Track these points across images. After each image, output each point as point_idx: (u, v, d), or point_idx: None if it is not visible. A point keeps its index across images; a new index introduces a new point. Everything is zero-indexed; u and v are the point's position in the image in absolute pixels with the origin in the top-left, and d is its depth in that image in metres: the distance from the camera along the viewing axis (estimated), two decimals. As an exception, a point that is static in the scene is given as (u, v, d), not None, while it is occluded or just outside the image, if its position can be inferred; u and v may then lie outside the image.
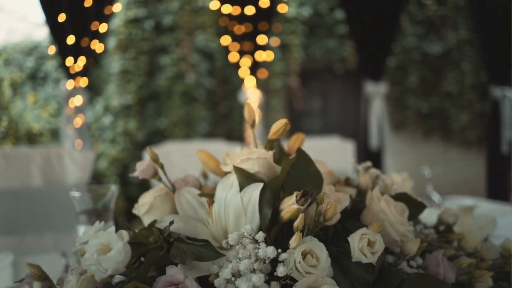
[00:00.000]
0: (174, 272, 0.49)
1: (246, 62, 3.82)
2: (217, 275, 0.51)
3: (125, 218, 4.05)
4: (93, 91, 4.75)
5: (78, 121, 3.26)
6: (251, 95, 3.86)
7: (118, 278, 0.60)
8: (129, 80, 4.92)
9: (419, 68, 5.32)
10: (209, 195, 0.66)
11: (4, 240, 1.66)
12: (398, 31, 4.10)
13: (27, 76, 5.58)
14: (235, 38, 3.78)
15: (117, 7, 3.65)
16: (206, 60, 5.09)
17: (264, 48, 3.82)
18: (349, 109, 5.64)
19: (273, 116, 5.12)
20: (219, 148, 1.97)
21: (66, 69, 3.13)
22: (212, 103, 5.20)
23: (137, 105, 4.95)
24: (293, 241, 0.52)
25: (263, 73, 4.05)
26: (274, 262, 0.52)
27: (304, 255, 0.52)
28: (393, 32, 3.89)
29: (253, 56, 3.81)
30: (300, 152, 0.62)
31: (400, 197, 0.70)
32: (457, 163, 5.43)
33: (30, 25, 6.11)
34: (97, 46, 3.18)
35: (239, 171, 0.61)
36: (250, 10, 3.68)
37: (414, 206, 0.70)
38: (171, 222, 0.55)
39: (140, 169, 0.67)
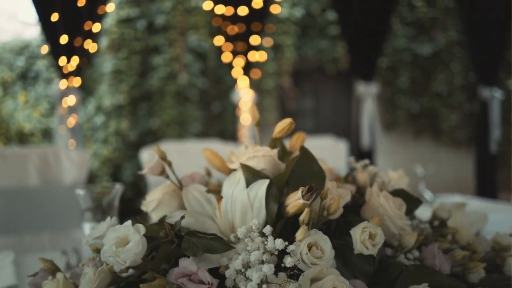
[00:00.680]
0: (187, 264, 0.51)
1: (239, 62, 3.84)
2: (226, 267, 0.54)
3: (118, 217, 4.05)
4: (84, 91, 4.73)
5: (71, 121, 3.25)
6: (244, 95, 3.89)
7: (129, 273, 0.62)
8: (122, 80, 4.92)
9: (409, 69, 5.40)
10: (216, 192, 0.69)
11: (2, 240, 1.67)
12: (389, 32, 4.16)
13: (18, 75, 5.54)
14: (228, 38, 3.80)
15: (110, 7, 3.65)
16: (198, 60, 5.10)
17: (257, 48, 3.85)
18: (340, 109, 5.70)
19: (265, 116, 5.15)
20: (214, 147, 1.99)
21: (59, 68, 3.13)
22: (205, 103, 5.22)
23: (129, 105, 4.94)
24: (299, 234, 0.55)
25: (256, 73, 4.07)
26: (280, 254, 0.55)
27: (309, 247, 0.54)
28: (384, 33, 3.94)
29: (246, 56, 3.84)
30: (304, 150, 0.65)
31: (398, 193, 0.73)
32: (447, 162, 5.51)
33: (20, 24, 6.06)
34: (90, 46, 3.18)
35: (245, 168, 0.64)
36: (243, 10, 3.70)
37: (411, 202, 0.73)
38: (182, 217, 0.58)
39: (149, 167, 0.70)
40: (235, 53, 3.82)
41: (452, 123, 5.40)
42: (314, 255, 0.54)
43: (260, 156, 0.64)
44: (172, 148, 2.06)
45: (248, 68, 3.89)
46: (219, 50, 3.99)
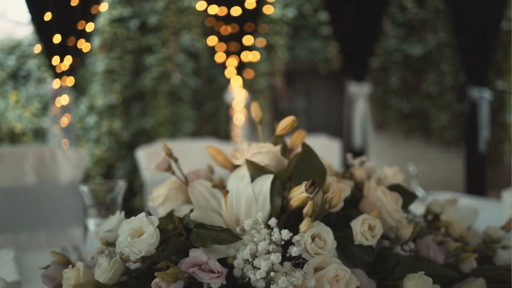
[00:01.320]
0: (197, 254, 0.54)
1: (232, 62, 3.87)
2: (234, 257, 0.57)
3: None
4: (77, 91, 4.72)
5: (65, 120, 3.25)
6: (238, 95, 3.91)
7: (134, 266, 0.64)
8: (114, 80, 4.91)
9: (400, 69, 5.46)
10: (221, 187, 0.71)
11: (-1, 238, 1.67)
12: (380, 33, 4.21)
13: (8, 75, 5.49)
14: (221, 38, 3.82)
15: (103, 6, 3.66)
16: (191, 60, 5.11)
17: (250, 48, 3.88)
18: (332, 109, 5.75)
19: (258, 116, 5.17)
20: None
21: (52, 68, 3.12)
22: (198, 103, 5.23)
23: (122, 104, 4.93)
24: (303, 226, 0.58)
25: (249, 73, 4.10)
26: (284, 246, 0.58)
27: (313, 238, 0.57)
28: (376, 34, 3.99)
29: (239, 56, 3.86)
30: (306, 147, 0.68)
31: (394, 188, 0.76)
32: (437, 162, 5.59)
33: (11, 23, 6.01)
34: (83, 46, 3.18)
35: (250, 164, 0.67)
36: (236, 11, 3.73)
37: (406, 196, 0.77)
38: (191, 210, 0.61)
39: (156, 163, 0.72)
40: (228, 53, 3.85)
41: (442, 123, 5.48)
42: (317, 245, 0.57)
43: (265, 152, 0.67)
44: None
45: (241, 68, 3.91)
46: (212, 50, 4.01)
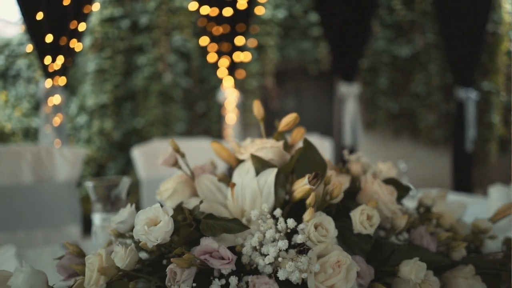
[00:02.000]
0: (208, 242, 0.57)
1: (224, 62, 3.90)
2: (242, 246, 0.60)
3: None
4: (67, 90, 4.70)
5: (57, 120, 3.25)
6: (229, 95, 3.95)
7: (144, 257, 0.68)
8: (105, 80, 4.90)
9: (389, 70, 5.55)
10: (227, 181, 0.75)
11: (-4, 236, 1.69)
12: (370, 35, 4.28)
13: (-3, 74, 5.45)
14: (213, 39, 3.85)
15: (96, 6, 3.66)
16: (183, 60, 5.13)
17: (241, 49, 3.91)
18: (322, 109, 5.82)
19: (249, 115, 5.21)
20: (204, 145, 2.05)
21: (45, 67, 3.12)
22: (189, 102, 5.25)
23: (113, 104, 4.93)
24: (306, 215, 0.61)
25: (240, 73, 4.14)
26: (289, 235, 0.62)
27: (315, 227, 0.61)
28: (365, 35, 4.06)
29: (231, 56, 3.89)
30: (307, 143, 0.72)
31: (389, 182, 0.81)
32: (425, 161, 5.70)
33: (0, 23, 5.95)
34: (75, 45, 3.18)
35: (255, 158, 0.71)
36: (228, 11, 3.76)
37: (401, 189, 0.81)
38: (201, 202, 0.64)
39: (164, 159, 0.75)
40: (220, 54, 3.88)
41: (429, 122, 5.58)
42: (320, 233, 0.61)
43: (269, 147, 0.71)
44: (164, 146, 2.10)
45: (233, 68, 3.95)
46: (204, 51, 4.04)
